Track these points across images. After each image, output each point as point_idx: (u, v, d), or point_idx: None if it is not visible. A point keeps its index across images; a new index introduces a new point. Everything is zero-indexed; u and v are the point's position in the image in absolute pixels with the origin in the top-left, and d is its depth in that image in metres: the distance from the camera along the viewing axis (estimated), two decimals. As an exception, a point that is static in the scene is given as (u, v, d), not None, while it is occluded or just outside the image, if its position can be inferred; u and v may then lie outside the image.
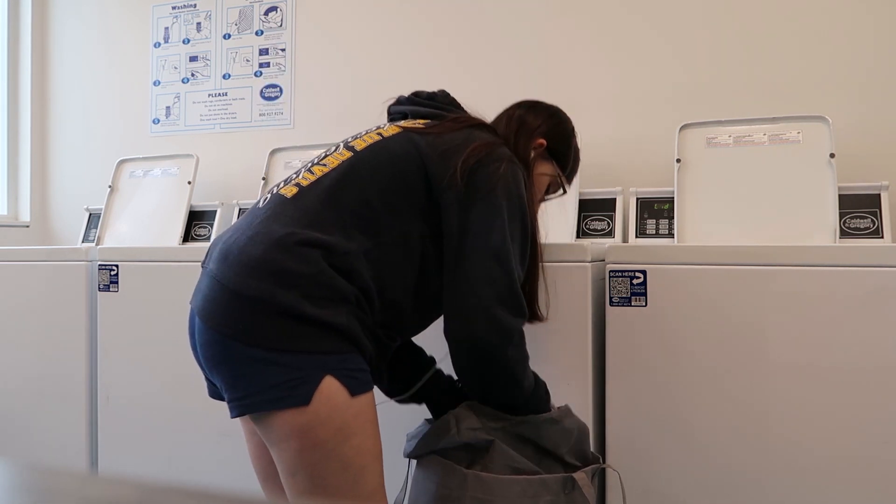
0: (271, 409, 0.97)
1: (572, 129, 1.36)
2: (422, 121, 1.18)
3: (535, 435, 1.17)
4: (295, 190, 1.07)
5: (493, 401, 1.13)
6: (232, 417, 1.02)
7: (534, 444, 1.17)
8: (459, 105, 1.27)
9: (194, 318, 1.05)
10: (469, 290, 1.05)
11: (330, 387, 0.97)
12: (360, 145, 1.12)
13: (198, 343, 1.04)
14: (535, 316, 1.26)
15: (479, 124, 1.20)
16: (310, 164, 1.14)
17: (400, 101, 1.28)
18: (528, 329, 1.45)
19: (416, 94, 1.27)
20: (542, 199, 1.34)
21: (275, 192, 1.10)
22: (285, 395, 0.96)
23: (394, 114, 1.28)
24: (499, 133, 1.23)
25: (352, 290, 1.01)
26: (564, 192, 1.35)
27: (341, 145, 1.16)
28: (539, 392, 1.16)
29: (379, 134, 1.14)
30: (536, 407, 1.15)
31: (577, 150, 1.36)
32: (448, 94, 1.27)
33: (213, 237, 2.32)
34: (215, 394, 1.12)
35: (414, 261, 1.09)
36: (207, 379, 1.12)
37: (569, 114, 2.13)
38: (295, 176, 1.13)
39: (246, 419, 1.15)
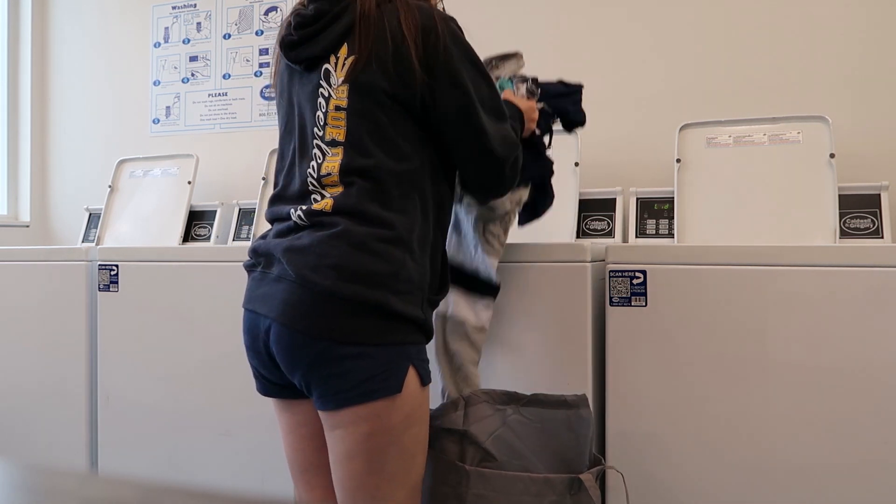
0: (369, 399, 1.01)
1: None
2: (343, 52, 1.08)
3: (544, 418, 1.17)
4: (331, 202, 1.05)
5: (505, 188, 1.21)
6: (324, 411, 1.05)
7: (553, 439, 1.18)
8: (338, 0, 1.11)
9: (259, 323, 1.07)
10: (469, 157, 1.12)
11: (411, 375, 1.05)
12: (339, 134, 1.07)
13: (277, 348, 1.05)
14: None
15: (376, 9, 1.07)
16: (315, 182, 1.08)
17: (293, 44, 1.12)
18: (527, 330, 1.45)
19: (301, 26, 1.12)
20: None
21: (307, 209, 1.07)
22: (380, 387, 1.01)
23: (305, 61, 1.12)
24: None
25: (425, 275, 1.09)
26: None
27: (323, 146, 1.09)
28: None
29: (338, 108, 1.08)
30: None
31: None
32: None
33: (212, 237, 2.32)
34: (268, 392, 1.17)
35: (442, 189, 1.15)
36: (261, 377, 1.16)
37: (569, 114, 2.14)
38: (314, 195, 1.08)
39: (286, 412, 1.18)
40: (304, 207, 1.08)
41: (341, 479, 1.07)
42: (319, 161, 1.09)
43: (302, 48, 1.12)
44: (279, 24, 2.53)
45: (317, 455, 1.18)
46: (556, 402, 1.20)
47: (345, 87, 1.07)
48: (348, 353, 1.01)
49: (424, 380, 1.08)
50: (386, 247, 1.03)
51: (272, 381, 1.14)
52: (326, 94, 1.09)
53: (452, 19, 1.13)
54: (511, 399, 1.21)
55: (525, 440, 1.17)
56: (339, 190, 1.06)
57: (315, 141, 1.10)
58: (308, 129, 1.11)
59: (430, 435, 1.19)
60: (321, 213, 1.05)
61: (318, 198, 1.08)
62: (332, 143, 1.08)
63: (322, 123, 1.09)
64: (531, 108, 1.29)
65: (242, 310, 1.13)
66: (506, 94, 1.29)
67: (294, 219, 1.08)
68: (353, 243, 1.02)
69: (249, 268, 1.13)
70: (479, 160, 1.12)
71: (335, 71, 1.09)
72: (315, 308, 1.01)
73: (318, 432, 1.16)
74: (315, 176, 1.09)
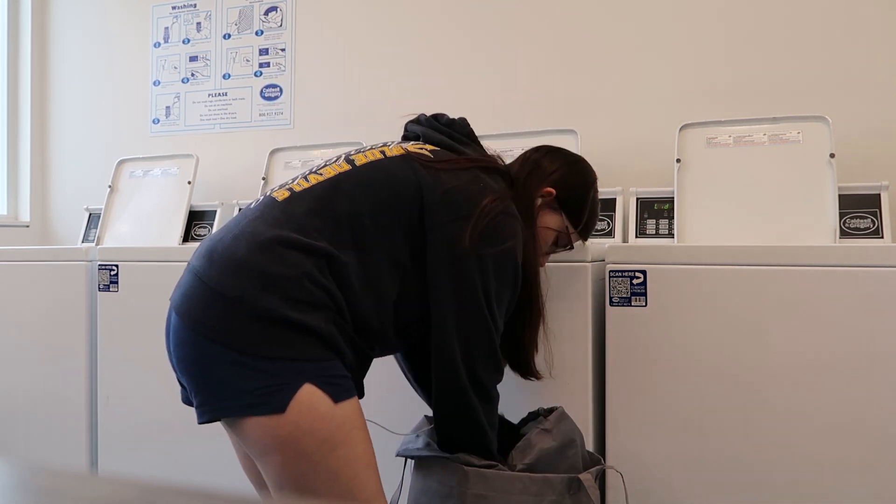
0: (244, 415, 0.94)
1: (592, 180, 1.29)
2: (430, 147, 1.16)
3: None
4: (287, 194, 1.06)
5: (454, 440, 1.15)
6: (199, 423, 0.98)
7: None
8: (475, 138, 1.24)
9: (171, 315, 1.03)
10: (453, 343, 1.07)
11: (311, 395, 0.94)
12: (360, 160, 1.11)
13: (172, 342, 1.01)
14: (530, 372, 1.27)
15: (486, 166, 1.16)
16: (307, 172, 1.13)
17: (419, 120, 1.25)
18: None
19: (436, 118, 1.24)
20: (550, 252, 1.31)
21: (268, 194, 1.10)
22: (260, 402, 0.93)
23: (408, 132, 1.26)
24: (511, 174, 1.22)
25: (332, 299, 1.00)
26: (571, 247, 1.30)
27: (342, 157, 1.14)
28: (490, 444, 1.16)
29: (382, 152, 1.13)
30: (480, 452, 1.15)
31: (594, 204, 1.29)
32: (467, 124, 1.24)
33: (213, 237, 2.33)
34: (189, 400, 1.06)
35: (394, 285, 1.07)
36: (180, 382, 1.07)
37: (570, 114, 2.14)
38: (291, 181, 1.11)
39: (227, 428, 1.10)
40: (268, 192, 1.10)
41: None
42: (329, 162, 1.13)
43: (416, 126, 1.23)
44: (280, 24, 2.53)
45: None
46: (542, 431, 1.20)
47: (399, 150, 1.13)
48: (233, 360, 0.93)
49: (337, 396, 0.96)
50: (292, 252, 0.97)
51: (184, 386, 1.06)
52: (387, 143, 1.17)
53: (521, 224, 1.13)
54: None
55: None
56: (304, 186, 1.07)
57: (343, 154, 1.15)
58: (350, 150, 1.18)
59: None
60: (273, 200, 1.06)
61: (288, 184, 1.10)
62: (349, 161, 1.12)
63: (359, 150, 1.15)
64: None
65: None
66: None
67: (252, 203, 1.10)
68: (260, 243, 0.98)
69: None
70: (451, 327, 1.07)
71: (410, 145, 1.15)
72: (208, 305, 0.96)
73: None
74: (311, 170, 1.12)
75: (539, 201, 1.21)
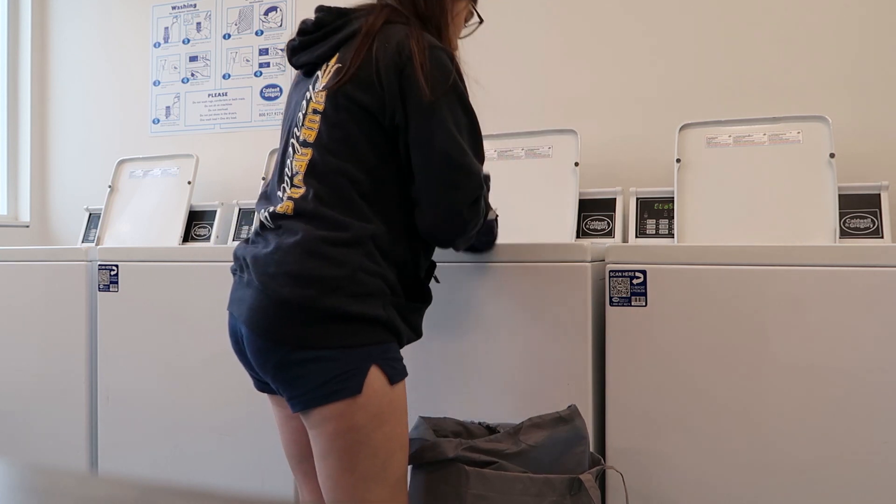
0: (328, 402, 1.04)
1: None
2: (333, 61, 1.14)
3: (543, 441, 1.17)
4: (291, 205, 1.10)
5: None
6: (294, 412, 1.09)
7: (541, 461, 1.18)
8: (348, 9, 1.18)
9: (237, 326, 1.12)
10: (431, 201, 1.11)
11: (374, 375, 1.05)
12: (310, 137, 1.12)
13: (248, 351, 1.10)
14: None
15: (381, 25, 1.13)
16: (287, 178, 1.14)
17: (294, 47, 1.22)
18: (527, 331, 1.45)
19: (304, 32, 1.20)
20: (461, 35, 1.32)
21: (272, 210, 1.12)
22: (340, 388, 1.04)
23: (303, 66, 1.22)
24: (404, 4, 1.18)
25: (385, 282, 1.08)
26: (481, 20, 1.31)
27: (296, 145, 1.14)
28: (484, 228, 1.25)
29: (315, 112, 1.13)
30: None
31: None
32: (330, 8, 1.19)
33: (212, 237, 2.32)
34: (263, 388, 1.20)
35: (408, 206, 1.14)
36: (250, 375, 1.19)
37: (570, 114, 2.14)
38: (280, 193, 1.14)
39: (278, 405, 1.22)
40: (270, 209, 1.13)
41: (322, 478, 1.10)
42: (291, 158, 1.14)
43: (301, 54, 1.21)
44: (280, 24, 2.53)
45: (309, 446, 1.20)
46: (557, 420, 1.20)
47: (323, 93, 1.12)
48: (306, 358, 1.04)
49: (393, 378, 1.07)
50: (340, 250, 1.05)
51: (259, 379, 1.18)
52: (309, 97, 1.15)
53: (444, 50, 1.12)
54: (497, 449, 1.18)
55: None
56: (300, 192, 1.10)
57: (292, 140, 1.16)
58: (291, 128, 1.17)
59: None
60: (283, 216, 1.10)
61: (283, 197, 1.12)
62: (304, 144, 1.13)
63: (300, 124, 1.15)
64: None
65: None
66: None
67: (262, 219, 1.14)
68: (307, 249, 1.05)
69: (233, 271, 1.18)
70: (443, 191, 1.11)
71: (322, 77, 1.14)
72: (274, 314, 1.05)
73: None
74: (289, 174, 1.14)
75: None
